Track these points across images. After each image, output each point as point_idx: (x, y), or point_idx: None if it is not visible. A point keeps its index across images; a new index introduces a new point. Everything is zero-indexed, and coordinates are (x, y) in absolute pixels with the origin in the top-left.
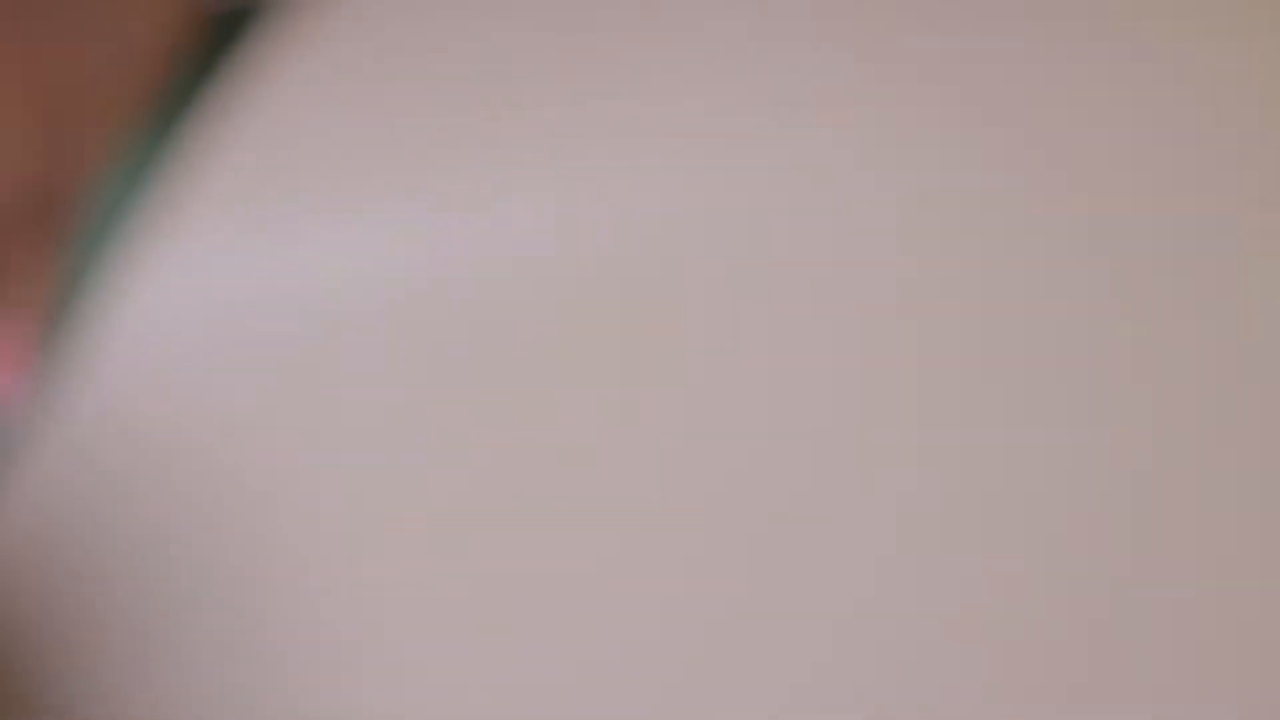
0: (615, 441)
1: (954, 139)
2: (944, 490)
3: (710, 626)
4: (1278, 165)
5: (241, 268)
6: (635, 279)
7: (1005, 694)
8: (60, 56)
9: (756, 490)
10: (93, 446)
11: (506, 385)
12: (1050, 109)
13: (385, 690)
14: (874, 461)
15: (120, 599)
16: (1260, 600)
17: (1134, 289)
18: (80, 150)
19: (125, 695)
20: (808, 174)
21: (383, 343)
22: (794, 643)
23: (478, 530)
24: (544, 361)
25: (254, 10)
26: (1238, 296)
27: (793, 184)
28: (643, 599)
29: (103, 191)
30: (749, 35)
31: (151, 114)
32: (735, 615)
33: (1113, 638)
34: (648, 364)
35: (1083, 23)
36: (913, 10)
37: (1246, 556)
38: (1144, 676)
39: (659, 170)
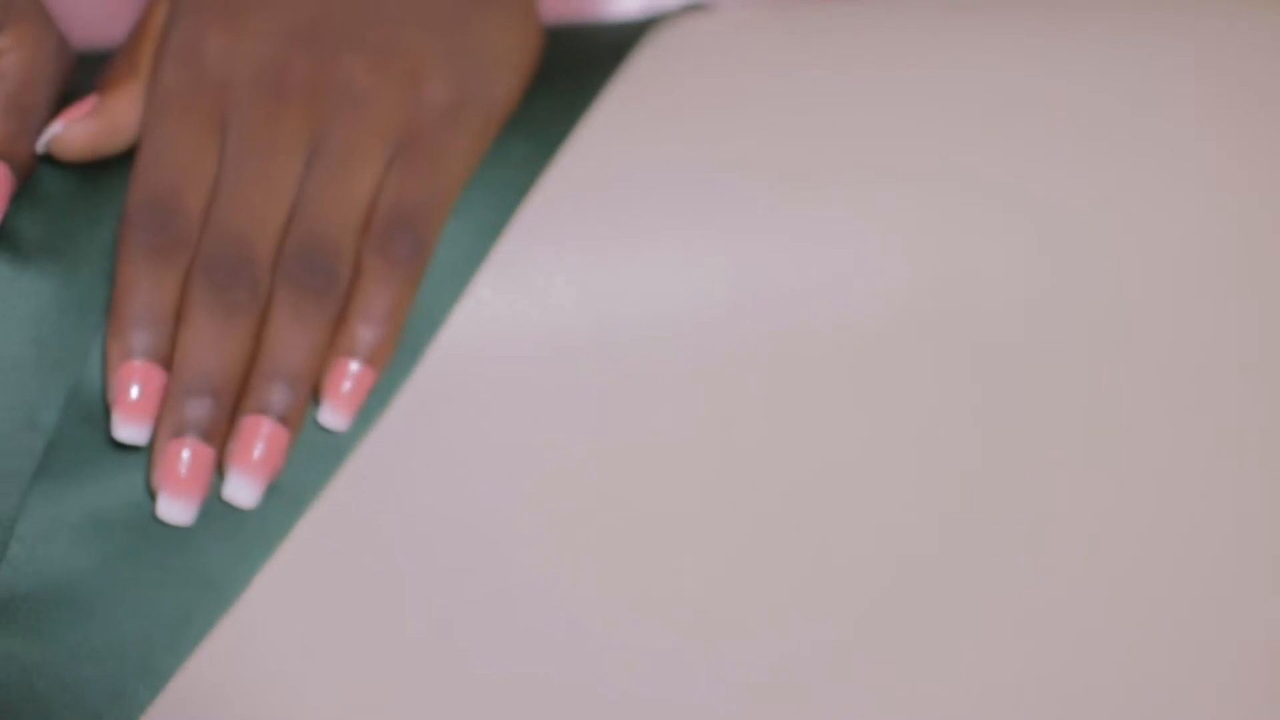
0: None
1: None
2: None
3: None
4: None
5: (579, 284)
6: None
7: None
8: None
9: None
10: (438, 434)
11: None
12: None
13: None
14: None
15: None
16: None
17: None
18: (439, 170)
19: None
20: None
21: (714, 363)
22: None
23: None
24: (839, 386)
25: (577, 33)
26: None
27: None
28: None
29: (460, 208)
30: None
31: (505, 134)
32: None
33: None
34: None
35: None
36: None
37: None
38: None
39: (954, 212)
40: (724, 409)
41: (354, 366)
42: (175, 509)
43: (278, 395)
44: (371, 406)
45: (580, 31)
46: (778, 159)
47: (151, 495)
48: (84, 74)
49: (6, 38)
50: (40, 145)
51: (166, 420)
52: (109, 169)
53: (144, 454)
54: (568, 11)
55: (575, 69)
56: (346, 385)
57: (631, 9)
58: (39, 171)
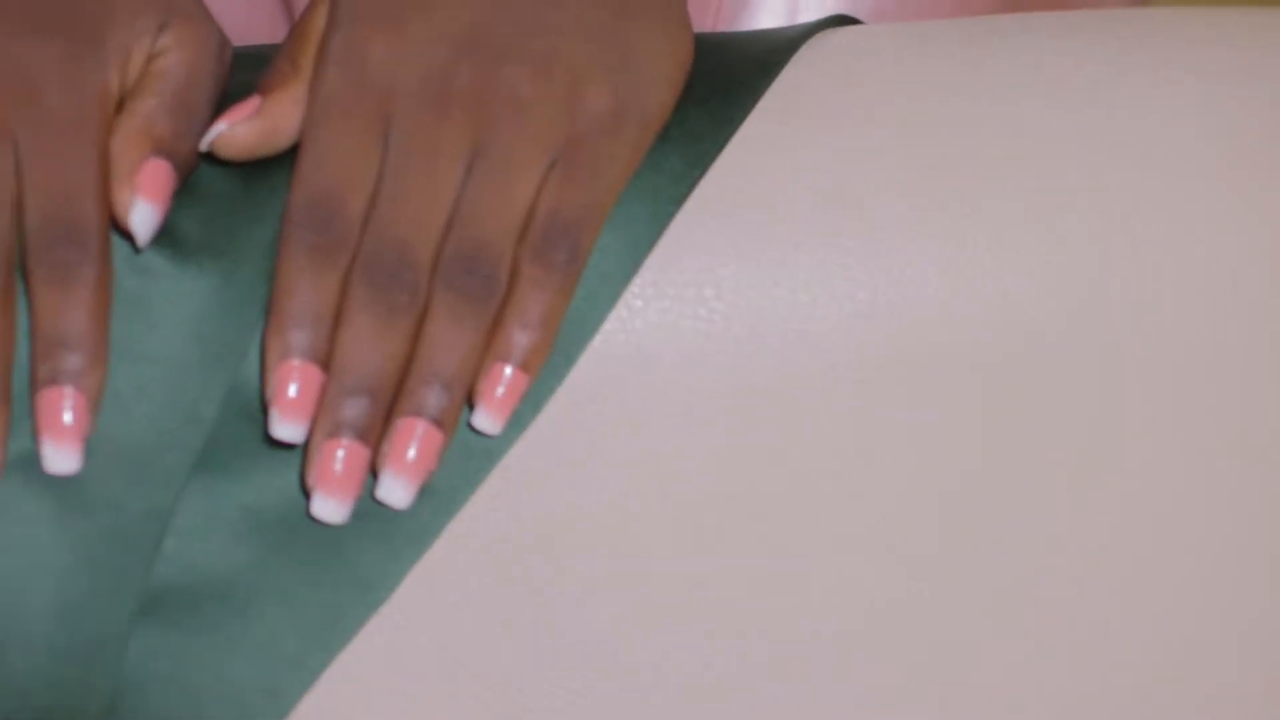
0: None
1: None
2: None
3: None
4: None
5: (730, 296)
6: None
7: None
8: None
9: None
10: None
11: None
12: None
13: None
14: None
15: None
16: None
17: None
18: (597, 179)
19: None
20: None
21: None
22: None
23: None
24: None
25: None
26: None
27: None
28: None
29: (614, 217)
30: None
31: (659, 145)
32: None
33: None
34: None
35: None
36: None
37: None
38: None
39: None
40: (867, 420)
41: (508, 371)
42: (329, 508)
43: (433, 398)
44: (524, 412)
45: (729, 42)
46: (926, 177)
47: (305, 494)
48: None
49: (169, 37)
50: (204, 144)
51: (323, 419)
52: (267, 168)
53: (299, 452)
54: (704, 23)
55: (727, 80)
56: (501, 390)
57: (766, 21)
58: (199, 170)
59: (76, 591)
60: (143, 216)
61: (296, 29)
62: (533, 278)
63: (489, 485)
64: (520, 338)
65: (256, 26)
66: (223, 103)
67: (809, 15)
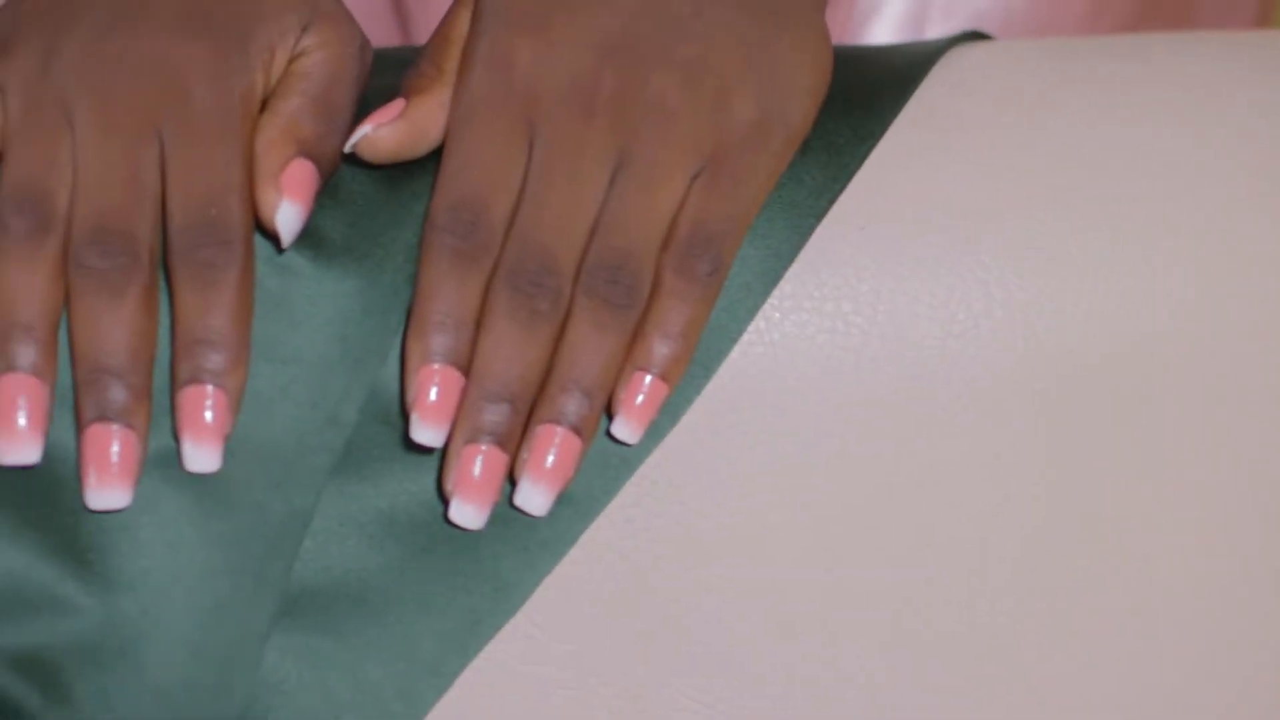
0: None
1: None
2: None
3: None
4: None
5: (868, 311)
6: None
7: None
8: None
9: None
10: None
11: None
12: None
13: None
14: None
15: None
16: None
17: None
18: (741, 190)
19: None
20: None
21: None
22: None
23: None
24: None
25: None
26: None
27: None
28: None
29: (755, 229)
30: None
31: (799, 157)
32: None
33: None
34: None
35: None
36: None
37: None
38: None
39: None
40: (1003, 435)
41: (648, 380)
42: (467, 513)
43: (573, 405)
44: (661, 421)
45: (865, 55)
46: (1067, 194)
47: (443, 498)
48: None
49: (313, 37)
50: (349, 146)
51: (463, 424)
52: (409, 171)
53: (433, 457)
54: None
55: (866, 94)
56: (640, 398)
57: (887, 35)
58: (340, 172)
59: (218, 592)
60: (288, 216)
61: (439, 33)
62: (675, 288)
63: (625, 494)
64: (661, 347)
65: (366, 27)
66: (362, 106)
67: (934, 30)
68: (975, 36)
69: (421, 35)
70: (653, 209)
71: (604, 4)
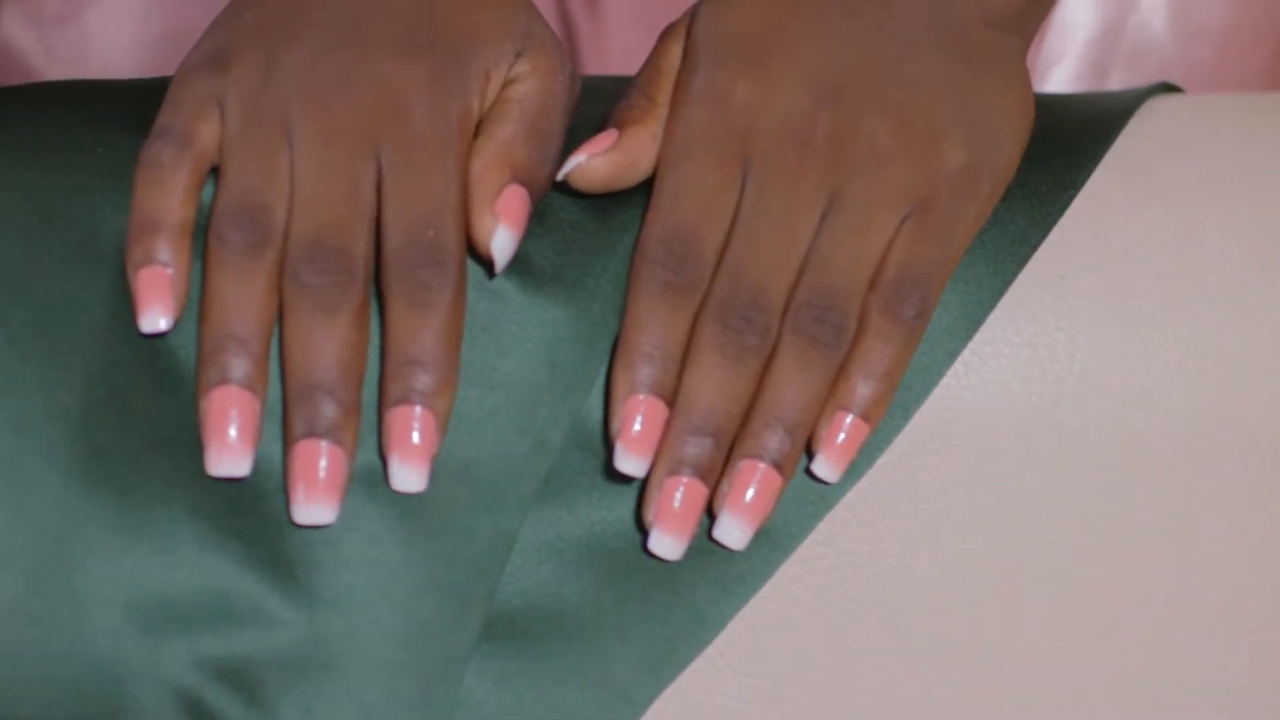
0: None
1: None
2: None
3: None
4: None
5: (1065, 359)
6: None
7: None
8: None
9: None
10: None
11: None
12: None
13: None
14: None
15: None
16: None
17: None
18: (948, 234)
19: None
20: None
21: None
22: None
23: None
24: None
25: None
26: None
27: None
28: None
29: (957, 273)
30: None
31: (1002, 203)
32: None
33: None
34: None
35: None
36: None
37: None
38: None
39: None
40: (1194, 488)
41: (850, 420)
42: (666, 544)
43: (775, 441)
44: (859, 461)
45: (1062, 103)
46: (1270, 251)
47: (642, 529)
48: None
49: (526, 64)
50: (562, 174)
51: (666, 456)
52: (617, 201)
53: (632, 486)
54: None
55: (1066, 141)
56: (841, 437)
57: (1066, 82)
58: (548, 199)
59: (423, 612)
60: (502, 242)
61: (650, 65)
62: (881, 329)
63: (818, 531)
64: (864, 388)
65: None
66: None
67: (1116, 80)
68: (1167, 88)
69: (589, 51)
70: (863, 251)
71: (817, 44)
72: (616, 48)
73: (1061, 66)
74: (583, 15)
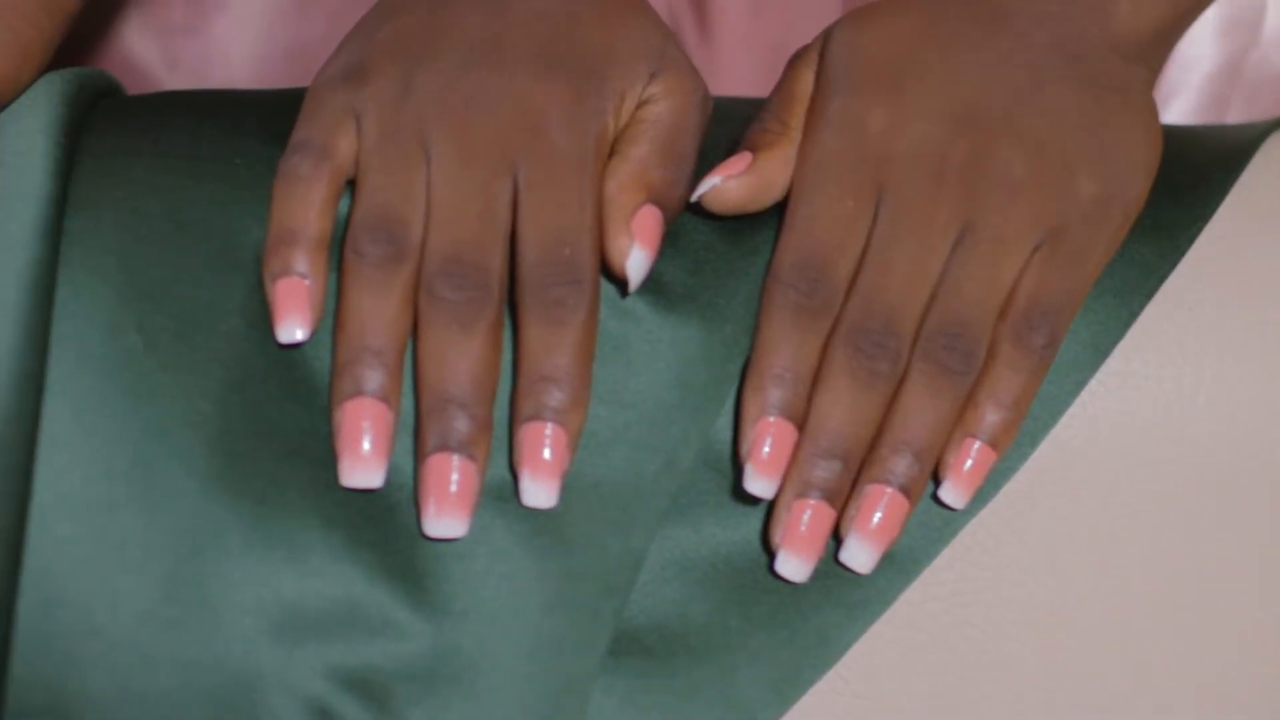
0: None
1: None
2: None
3: None
4: None
5: (1191, 392)
6: None
7: None
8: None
9: None
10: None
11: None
12: None
13: None
14: None
15: None
16: None
17: None
18: (1079, 265)
19: None
20: None
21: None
22: None
23: None
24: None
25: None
26: None
27: None
28: None
29: (1085, 304)
30: None
31: (1131, 234)
32: None
33: None
34: None
35: None
36: None
37: None
38: None
39: None
40: None
41: (977, 447)
42: (792, 566)
43: (903, 466)
44: (985, 488)
45: (1191, 135)
46: None
47: (768, 550)
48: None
49: (659, 85)
50: (696, 195)
51: (794, 478)
52: (748, 224)
53: (759, 507)
54: None
55: (1193, 174)
56: (969, 464)
57: (1186, 113)
58: (680, 220)
59: (554, 628)
60: (637, 262)
61: (783, 89)
62: (1010, 359)
63: (941, 556)
64: (992, 416)
65: None
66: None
67: (1236, 113)
68: None
69: (718, 49)
70: (995, 280)
71: (950, 73)
72: (726, 69)
73: (1181, 99)
74: (694, 38)
